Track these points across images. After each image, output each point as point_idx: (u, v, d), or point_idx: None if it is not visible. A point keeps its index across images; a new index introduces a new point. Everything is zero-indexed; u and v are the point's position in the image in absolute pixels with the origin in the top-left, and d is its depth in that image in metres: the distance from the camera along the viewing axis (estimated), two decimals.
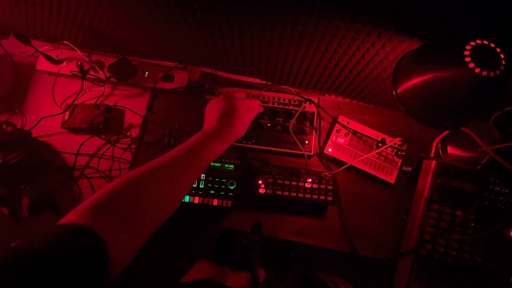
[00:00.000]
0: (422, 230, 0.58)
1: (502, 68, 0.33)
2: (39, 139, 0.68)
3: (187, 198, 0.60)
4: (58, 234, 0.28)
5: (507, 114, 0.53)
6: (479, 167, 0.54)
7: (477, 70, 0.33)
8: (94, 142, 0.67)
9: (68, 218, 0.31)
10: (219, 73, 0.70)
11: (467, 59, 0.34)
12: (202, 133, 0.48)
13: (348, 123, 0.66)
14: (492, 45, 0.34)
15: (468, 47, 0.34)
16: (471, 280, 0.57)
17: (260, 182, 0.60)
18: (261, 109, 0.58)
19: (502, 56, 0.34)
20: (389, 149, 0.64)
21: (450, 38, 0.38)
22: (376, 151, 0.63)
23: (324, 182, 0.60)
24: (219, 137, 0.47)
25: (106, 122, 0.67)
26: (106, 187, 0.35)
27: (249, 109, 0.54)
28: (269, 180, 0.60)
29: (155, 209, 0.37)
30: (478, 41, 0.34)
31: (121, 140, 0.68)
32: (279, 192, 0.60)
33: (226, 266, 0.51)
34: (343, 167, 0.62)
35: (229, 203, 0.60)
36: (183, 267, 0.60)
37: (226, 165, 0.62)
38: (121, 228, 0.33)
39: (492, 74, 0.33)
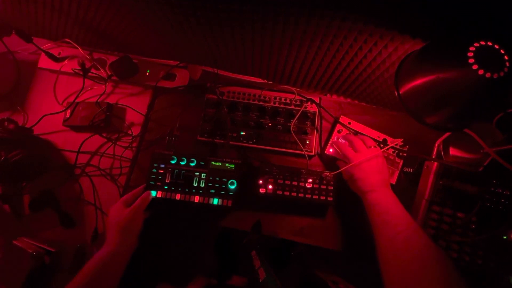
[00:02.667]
0: None
1: (506, 70, 0.33)
2: (41, 136, 0.68)
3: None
4: None
5: (510, 116, 0.53)
6: (481, 169, 0.54)
7: (481, 71, 0.33)
8: (95, 140, 0.67)
9: None
10: (220, 72, 0.70)
11: (471, 60, 0.33)
12: (105, 255, 0.50)
13: (349, 123, 0.66)
14: (496, 46, 0.34)
15: (472, 48, 0.34)
16: (472, 282, 0.57)
17: (260, 181, 0.60)
18: (148, 201, 0.58)
19: (506, 57, 0.33)
20: (391, 150, 0.63)
21: (453, 39, 0.38)
22: None
23: (324, 182, 0.60)
24: (121, 256, 0.51)
25: (107, 120, 0.67)
26: None
27: (135, 213, 0.54)
28: (269, 180, 0.60)
29: None
30: (482, 42, 0.34)
31: (122, 139, 0.68)
32: (279, 192, 0.59)
33: (226, 267, 0.51)
34: (344, 167, 0.62)
35: (230, 202, 0.60)
36: (183, 267, 0.60)
37: (227, 165, 0.62)
38: None
39: (496, 76, 0.33)
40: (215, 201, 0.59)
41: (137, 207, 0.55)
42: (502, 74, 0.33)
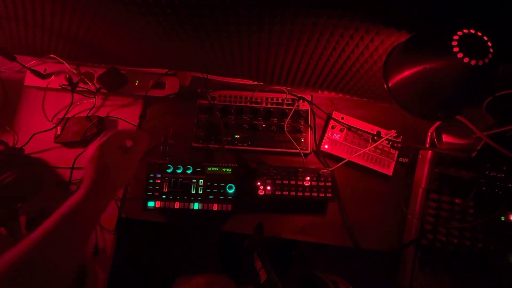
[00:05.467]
0: (422, 221, 0.58)
1: (490, 56, 0.33)
2: (32, 155, 0.67)
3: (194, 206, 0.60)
4: None
5: (499, 99, 0.53)
6: (474, 154, 0.55)
7: (466, 59, 0.33)
8: (89, 155, 0.66)
9: None
10: (210, 76, 0.70)
11: (455, 49, 0.34)
12: (74, 202, 0.38)
13: (342, 118, 0.66)
14: (479, 33, 0.34)
15: (455, 37, 0.34)
16: (474, 266, 0.57)
17: (258, 183, 0.60)
18: (146, 142, 0.47)
19: (489, 44, 0.34)
20: (385, 142, 0.64)
21: (437, 29, 0.38)
22: (372, 145, 0.63)
23: (322, 179, 0.60)
24: (97, 198, 0.39)
25: (100, 133, 0.66)
26: None
27: (127, 152, 0.44)
28: (267, 181, 0.60)
29: None
30: (465, 31, 0.34)
31: None
32: (278, 193, 0.59)
33: (229, 270, 0.51)
34: (340, 163, 0.62)
35: (229, 206, 0.60)
36: (187, 272, 0.59)
37: (224, 169, 0.62)
38: None
39: (480, 62, 0.33)
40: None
41: (135, 148, 0.44)
42: (486, 60, 0.33)
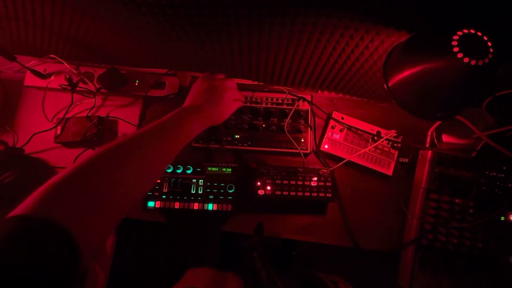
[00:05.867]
0: (422, 220, 0.58)
1: (490, 56, 0.33)
2: (33, 155, 0.67)
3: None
4: (6, 234, 0.22)
5: (499, 99, 0.53)
6: (474, 154, 0.55)
7: (466, 59, 0.33)
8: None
9: (21, 209, 0.25)
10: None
11: (455, 49, 0.34)
12: (181, 108, 0.45)
13: (342, 118, 0.66)
14: (479, 33, 0.34)
15: (455, 37, 0.34)
16: (474, 266, 0.57)
17: (258, 183, 0.60)
18: (241, 105, 0.59)
19: (489, 44, 0.34)
20: (385, 142, 0.64)
21: (437, 29, 0.38)
22: (372, 145, 0.63)
23: (322, 179, 0.60)
24: (198, 114, 0.45)
25: (100, 133, 0.66)
26: (70, 167, 0.30)
27: (234, 100, 0.53)
28: (267, 181, 0.60)
29: (125, 185, 0.33)
30: (465, 31, 0.34)
31: None
32: (278, 193, 0.59)
33: (222, 270, 0.51)
34: (340, 163, 0.62)
35: (229, 207, 0.60)
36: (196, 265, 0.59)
37: (224, 169, 0.62)
38: (89, 211, 0.28)
39: (480, 63, 0.33)
40: (209, 206, 0.59)
41: (239, 95, 0.54)
42: (486, 60, 0.33)
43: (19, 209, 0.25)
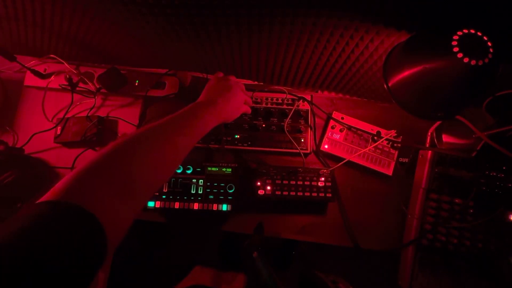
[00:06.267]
0: (422, 220, 0.58)
1: (490, 56, 0.33)
2: (33, 155, 0.67)
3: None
4: (36, 218, 0.23)
5: (499, 99, 0.53)
6: (474, 154, 0.55)
7: (466, 59, 0.33)
8: (89, 155, 0.66)
9: (50, 195, 0.26)
10: (210, 76, 0.70)
11: (455, 49, 0.34)
12: (196, 102, 0.48)
13: (342, 118, 0.66)
14: (479, 33, 0.34)
15: (455, 37, 0.34)
16: (474, 266, 0.57)
17: (258, 183, 0.60)
18: (249, 110, 0.60)
19: (489, 44, 0.34)
20: (385, 142, 0.64)
21: (437, 29, 0.38)
22: (372, 145, 0.63)
23: (322, 179, 0.60)
24: (214, 108, 0.47)
25: (100, 133, 0.66)
26: (93, 156, 0.31)
27: (244, 102, 0.55)
28: (267, 181, 0.60)
29: (148, 173, 0.34)
30: (465, 31, 0.34)
31: None
32: (278, 193, 0.59)
33: (227, 270, 0.51)
34: (340, 163, 0.62)
35: (229, 207, 0.60)
36: (186, 274, 0.59)
37: (224, 169, 0.62)
38: (115, 197, 0.29)
39: (480, 63, 0.33)
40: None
41: (248, 98, 0.55)
42: (486, 60, 0.33)
43: (47, 196, 0.26)
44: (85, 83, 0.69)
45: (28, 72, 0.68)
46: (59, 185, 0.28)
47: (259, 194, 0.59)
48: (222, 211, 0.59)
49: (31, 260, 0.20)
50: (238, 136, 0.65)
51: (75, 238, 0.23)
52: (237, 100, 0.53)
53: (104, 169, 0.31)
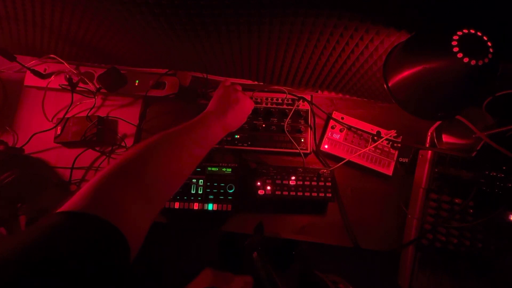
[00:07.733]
0: (422, 220, 0.58)
1: (490, 56, 0.33)
2: (32, 155, 0.67)
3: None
4: (58, 228, 0.23)
5: (499, 99, 0.53)
6: (474, 154, 0.55)
7: (466, 59, 0.33)
8: (89, 155, 0.67)
9: (71, 205, 0.26)
10: (210, 76, 0.70)
11: (455, 49, 0.34)
12: (207, 112, 0.49)
13: (342, 118, 0.66)
14: (479, 33, 0.34)
15: (455, 37, 0.34)
16: (474, 266, 0.57)
17: (258, 183, 0.60)
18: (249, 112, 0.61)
19: (489, 44, 0.34)
20: (385, 142, 0.64)
21: (437, 29, 0.38)
22: (372, 145, 0.63)
23: (322, 179, 0.60)
24: (223, 121, 0.49)
25: (100, 133, 0.66)
26: (110, 165, 0.32)
27: (248, 108, 0.56)
28: (267, 181, 0.60)
29: (165, 183, 0.36)
30: (465, 31, 0.34)
31: (116, 151, 0.68)
32: (278, 193, 0.59)
33: (230, 271, 0.51)
34: (340, 163, 0.62)
35: (229, 207, 0.60)
36: (186, 274, 0.60)
37: (224, 169, 0.62)
38: (135, 207, 0.29)
39: (480, 63, 0.33)
40: (210, 207, 0.59)
41: (252, 104, 0.56)
42: (486, 60, 0.33)
43: (66, 206, 0.27)
44: (85, 83, 0.69)
45: (28, 72, 0.68)
46: (79, 195, 0.28)
47: (259, 194, 0.59)
48: (222, 211, 0.59)
49: (55, 270, 0.20)
50: (238, 136, 0.65)
51: (101, 252, 0.24)
52: (245, 111, 0.55)
53: (123, 178, 0.31)
